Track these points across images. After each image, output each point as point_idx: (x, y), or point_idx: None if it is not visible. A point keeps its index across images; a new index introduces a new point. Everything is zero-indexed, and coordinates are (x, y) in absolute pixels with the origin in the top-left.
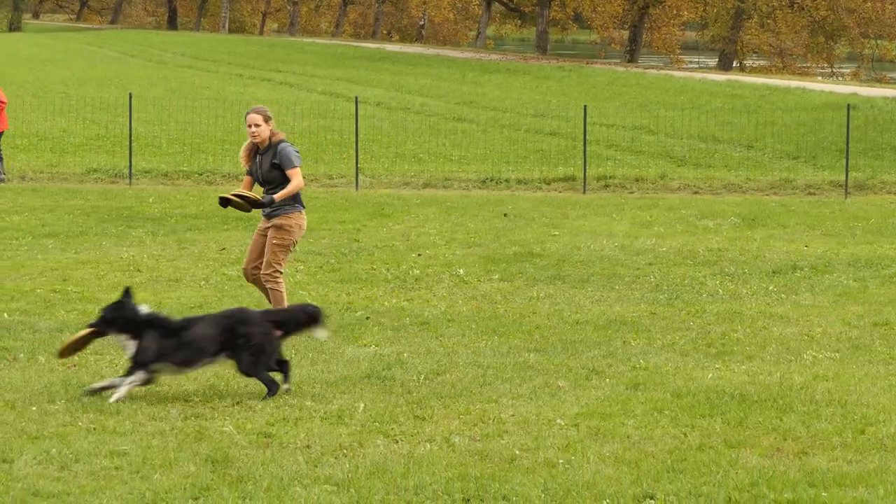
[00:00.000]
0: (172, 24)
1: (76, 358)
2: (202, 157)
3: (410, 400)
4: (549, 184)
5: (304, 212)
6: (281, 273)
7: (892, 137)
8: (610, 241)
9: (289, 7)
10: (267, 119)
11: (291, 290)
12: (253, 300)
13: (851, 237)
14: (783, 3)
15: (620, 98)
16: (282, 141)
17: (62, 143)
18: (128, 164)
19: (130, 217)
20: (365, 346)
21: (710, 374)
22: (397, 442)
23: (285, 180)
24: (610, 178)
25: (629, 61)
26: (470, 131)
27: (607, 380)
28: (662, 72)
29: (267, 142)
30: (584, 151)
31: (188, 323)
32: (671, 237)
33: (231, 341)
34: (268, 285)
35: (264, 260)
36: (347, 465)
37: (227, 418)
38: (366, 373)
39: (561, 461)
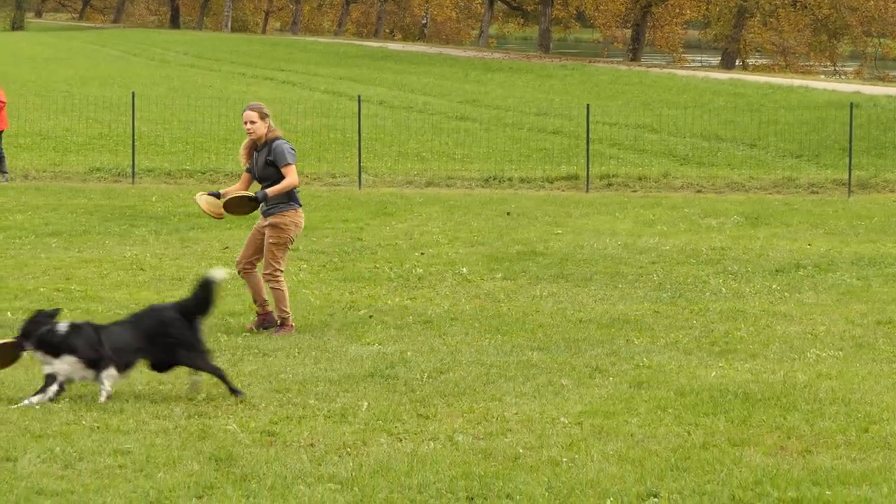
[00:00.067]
0: (175, 22)
1: None
2: (205, 156)
3: (414, 398)
4: (552, 182)
5: (300, 209)
6: (281, 272)
7: (895, 136)
8: (613, 239)
9: (291, 6)
10: (263, 116)
11: (294, 289)
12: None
13: (854, 235)
14: (786, 1)
15: (623, 97)
16: (277, 138)
17: (65, 142)
18: (131, 162)
19: (133, 216)
20: (368, 344)
21: (714, 373)
22: (401, 440)
23: (281, 177)
24: (613, 176)
25: (632, 60)
26: (473, 130)
27: (611, 378)
28: (665, 70)
29: (263, 139)
30: (587, 150)
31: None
32: (674, 236)
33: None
34: (269, 286)
35: (263, 260)
36: (351, 464)
37: (231, 417)
38: (369, 371)
39: (565, 459)
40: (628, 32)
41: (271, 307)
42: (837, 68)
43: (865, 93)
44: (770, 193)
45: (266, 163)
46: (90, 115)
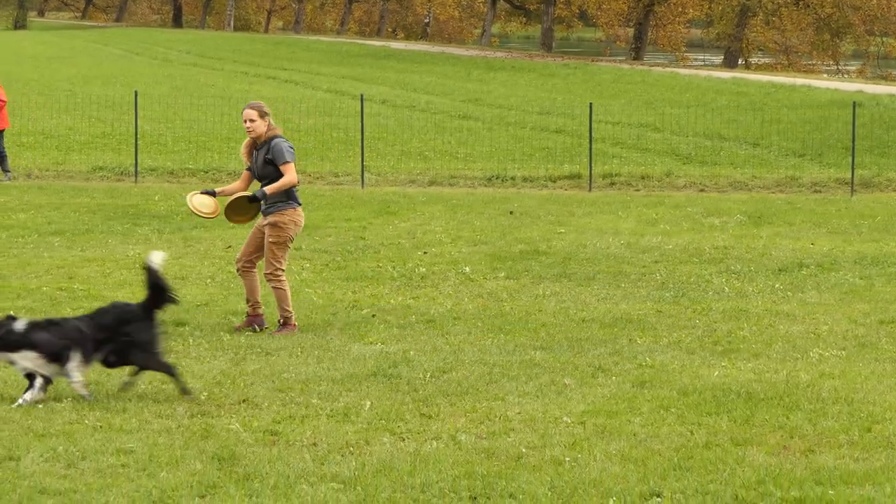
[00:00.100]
0: (177, 21)
1: None
2: (208, 155)
3: (417, 398)
4: (554, 181)
5: (299, 208)
6: (283, 271)
7: None
8: (616, 238)
9: (294, 5)
10: (262, 115)
11: (297, 288)
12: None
13: (857, 235)
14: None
15: (626, 96)
16: (276, 136)
17: (68, 141)
18: (133, 161)
19: (136, 215)
20: (371, 343)
21: (717, 372)
22: (404, 440)
23: (279, 176)
24: (616, 175)
25: (634, 59)
26: (475, 129)
27: (613, 378)
28: (668, 69)
29: (263, 137)
30: (590, 149)
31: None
32: (677, 235)
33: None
34: (271, 285)
35: (264, 260)
36: (354, 463)
37: (234, 416)
38: (372, 371)
39: (567, 459)
40: (631, 31)
41: (262, 309)
42: (840, 67)
43: (868, 92)
44: (773, 192)
45: (265, 161)
46: (93, 114)
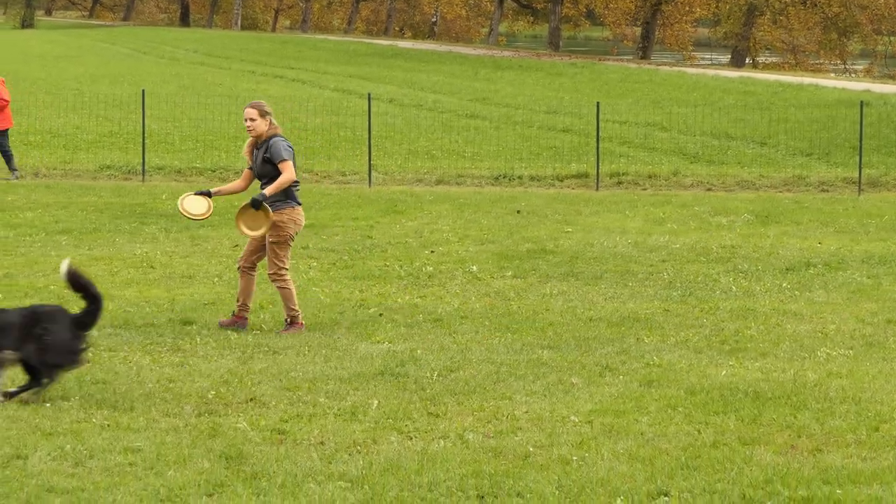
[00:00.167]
0: (185, 20)
1: (90, 354)
2: (215, 154)
3: (424, 397)
4: (561, 181)
5: (298, 207)
6: (286, 270)
7: None
8: (623, 237)
9: (301, 4)
10: (263, 114)
11: (304, 287)
12: (266, 296)
13: (865, 234)
14: None
15: (633, 95)
16: (275, 135)
17: (75, 140)
18: (141, 160)
19: (144, 213)
20: (378, 342)
21: (724, 371)
22: (411, 439)
23: (278, 174)
24: (623, 174)
25: (642, 58)
26: (483, 128)
27: (621, 377)
28: (675, 68)
29: (264, 136)
30: (597, 148)
31: None
32: (684, 234)
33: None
34: (276, 286)
35: (267, 261)
36: (361, 462)
37: (241, 415)
38: (379, 369)
39: (575, 458)
40: (638, 30)
41: (248, 314)
42: (847, 66)
43: (876, 91)
44: (780, 191)
45: (263, 160)
46: (100, 113)
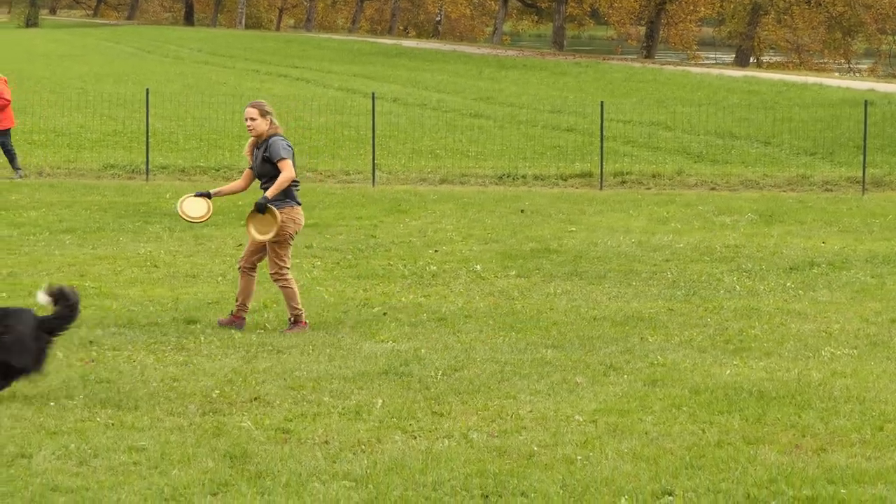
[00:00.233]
0: (189, 19)
1: (94, 353)
2: (219, 153)
3: (428, 396)
4: (565, 180)
5: (298, 207)
6: (287, 269)
7: None
8: (627, 237)
9: (305, 3)
10: (264, 113)
11: (308, 287)
12: (270, 295)
13: (869, 233)
14: None
15: (637, 94)
16: (275, 135)
17: (79, 139)
18: (145, 159)
19: (147, 213)
20: (382, 342)
21: (728, 371)
22: (415, 438)
23: (277, 173)
24: (627, 174)
25: (646, 57)
26: (487, 127)
27: (625, 376)
28: (679, 68)
29: (265, 136)
30: (601, 147)
31: None
32: (688, 233)
33: None
34: (278, 285)
35: (268, 261)
36: (366, 461)
37: (245, 414)
38: (383, 369)
39: (579, 457)
40: (642, 30)
41: (246, 314)
42: (852, 66)
43: (880, 90)
44: (784, 191)
45: (263, 159)
46: (104, 112)
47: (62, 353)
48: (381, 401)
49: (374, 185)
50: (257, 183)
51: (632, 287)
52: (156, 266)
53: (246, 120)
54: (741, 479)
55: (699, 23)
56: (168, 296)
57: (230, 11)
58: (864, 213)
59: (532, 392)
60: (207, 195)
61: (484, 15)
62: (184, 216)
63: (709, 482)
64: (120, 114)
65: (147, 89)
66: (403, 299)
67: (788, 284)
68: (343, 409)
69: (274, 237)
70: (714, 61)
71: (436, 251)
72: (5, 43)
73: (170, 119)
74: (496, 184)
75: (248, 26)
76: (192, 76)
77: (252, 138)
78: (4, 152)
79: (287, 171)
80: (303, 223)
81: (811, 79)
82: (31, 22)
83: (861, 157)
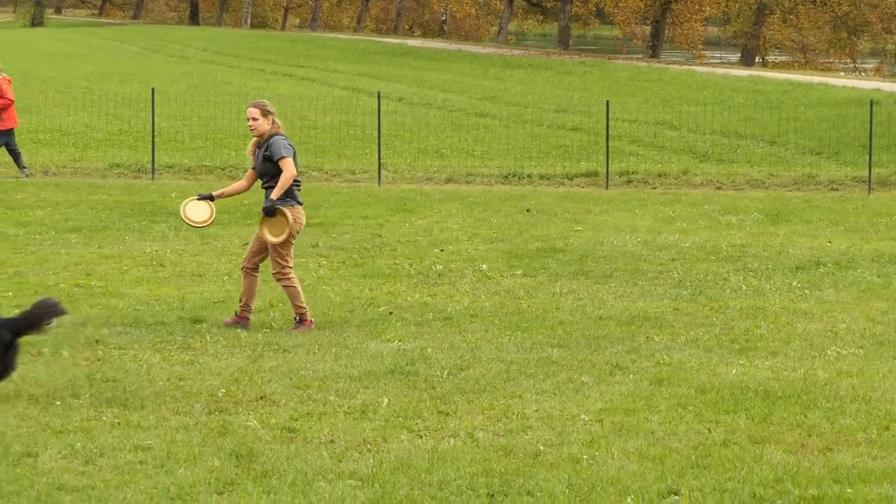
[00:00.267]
0: (194, 19)
1: (100, 352)
2: (225, 152)
3: (434, 395)
4: (571, 179)
5: (299, 206)
6: (290, 268)
7: None
8: (633, 236)
9: (310, 2)
10: (265, 113)
11: (314, 286)
12: (276, 294)
13: (875, 233)
14: None
15: (643, 93)
16: (275, 134)
17: (85, 138)
18: (150, 158)
19: (153, 212)
20: (388, 341)
21: (734, 370)
22: (421, 437)
23: (278, 172)
24: (632, 173)
25: (651, 57)
26: (492, 127)
27: (631, 375)
28: (685, 67)
29: (266, 135)
30: (607, 147)
31: None
32: (694, 233)
33: None
34: (281, 285)
35: (270, 260)
36: (371, 460)
37: (251, 413)
38: (389, 368)
39: (585, 457)
40: (648, 29)
41: (251, 314)
42: (857, 65)
43: (885, 90)
44: (790, 190)
45: (264, 158)
46: (110, 112)
47: (68, 352)
48: (386, 400)
49: (379, 184)
50: (259, 183)
51: (638, 286)
52: (162, 265)
53: (248, 120)
54: (747, 479)
55: (704, 22)
56: (174, 295)
57: (235, 11)
58: (870, 213)
59: (538, 391)
60: (210, 197)
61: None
62: (187, 221)
63: (715, 481)
64: (125, 113)
65: (152, 88)
66: (409, 298)
67: (794, 284)
68: (349, 408)
69: (286, 238)
70: (719, 61)
71: (441, 250)
72: (11, 42)
73: (175, 118)
74: (502, 183)
75: (253, 26)
76: (198, 75)
77: (255, 138)
78: (8, 151)
79: (288, 170)
80: (304, 222)
81: (817, 78)
82: (36, 21)
83: (867, 157)
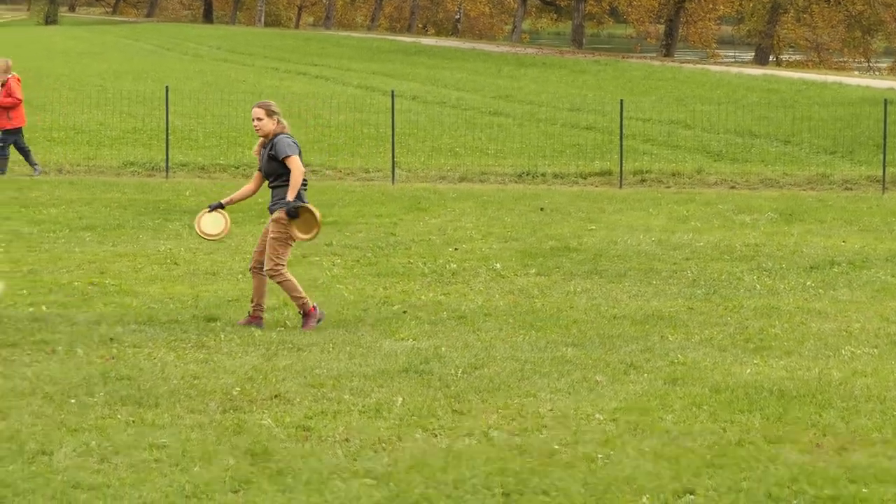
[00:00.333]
0: (208, 17)
1: (114, 350)
2: (239, 151)
3: (448, 394)
4: (585, 178)
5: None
6: (283, 266)
7: None
8: (647, 235)
9: (324, 0)
10: (270, 113)
11: (328, 284)
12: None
13: (889, 232)
14: None
15: (656, 92)
16: (279, 133)
17: (99, 136)
18: (164, 157)
19: (167, 210)
20: (402, 340)
21: (749, 370)
22: (436, 436)
23: (284, 171)
24: (646, 172)
25: (665, 55)
26: (506, 125)
27: (645, 375)
28: (698, 66)
29: (272, 135)
30: (621, 146)
31: None
32: (708, 232)
33: None
34: (275, 281)
35: (266, 256)
36: (386, 459)
37: (266, 411)
38: (403, 367)
39: (600, 456)
40: (661, 28)
41: (263, 313)
42: (871, 64)
43: None
44: (804, 190)
45: (269, 157)
46: (124, 110)
47: (82, 350)
48: (401, 399)
49: (393, 182)
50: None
51: (652, 286)
52: (176, 263)
53: (253, 120)
54: (762, 479)
55: (718, 21)
56: (188, 293)
57: (249, 9)
58: (885, 212)
59: (552, 390)
60: (220, 206)
61: (503, 13)
62: (203, 235)
63: (730, 481)
64: (139, 111)
65: (166, 87)
66: (423, 297)
67: (808, 283)
68: (363, 406)
69: (315, 236)
70: (733, 59)
71: (455, 249)
72: (25, 40)
73: (189, 116)
74: (516, 182)
75: (267, 24)
76: (212, 74)
77: (261, 139)
78: (18, 150)
79: (296, 168)
80: None
81: (831, 77)
82: (50, 19)
83: (881, 156)
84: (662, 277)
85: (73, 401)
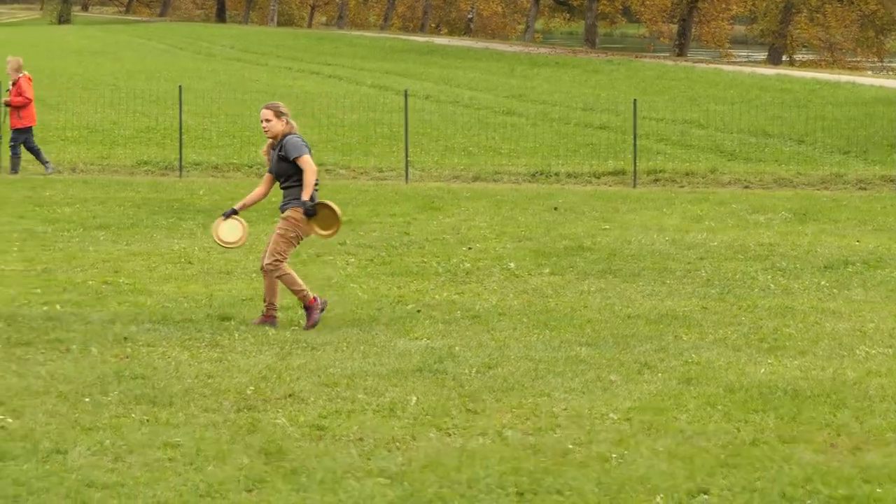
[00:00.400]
0: (221, 16)
1: (128, 349)
2: (252, 150)
3: (462, 393)
4: (599, 178)
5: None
6: (281, 262)
7: None
8: (661, 235)
9: (337, 0)
10: (279, 114)
11: (342, 284)
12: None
13: None
14: None
15: (670, 92)
16: (288, 134)
17: (112, 136)
18: (178, 156)
19: (181, 209)
20: (416, 339)
21: (763, 370)
22: (450, 435)
23: (295, 172)
24: (660, 172)
25: (678, 55)
26: (519, 125)
27: (659, 374)
28: (712, 66)
29: (280, 136)
30: (634, 145)
31: None
32: (722, 232)
33: None
34: (274, 276)
35: (267, 251)
36: (400, 458)
37: (280, 410)
38: (417, 366)
39: (614, 455)
40: (674, 27)
41: (277, 312)
42: (885, 64)
43: None
44: (818, 189)
45: (279, 158)
46: (137, 109)
47: (97, 349)
48: (415, 398)
49: (407, 182)
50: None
51: (666, 285)
52: (190, 262)
53: (262, 122)
54: (776, 478)
55: (731, 20)
56: (202, 292)
57: (262, 8)
58: None
59: (566, 390)
60: (234, 212)
61: (516, 13)
62: (222, 244)
63: (744, 481)
64: (153, 110)
65: (180, 86)
66: (437, 296)
67: (823, 283)
68: (377, 406)
69: (336, 231)
70: (746, 59)
71: (469, 248)
72: (38, 40)
73: (203, 116)
74: (529, 181)
75: (279, 23)
76: (225, 73)
77: (269, 140)
78: (28, 149)
79: (309, 167)
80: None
81: (844, 77)
82: (63, 19)
83: (895, 156)
84: (676, 277)
85: (87, 399)
